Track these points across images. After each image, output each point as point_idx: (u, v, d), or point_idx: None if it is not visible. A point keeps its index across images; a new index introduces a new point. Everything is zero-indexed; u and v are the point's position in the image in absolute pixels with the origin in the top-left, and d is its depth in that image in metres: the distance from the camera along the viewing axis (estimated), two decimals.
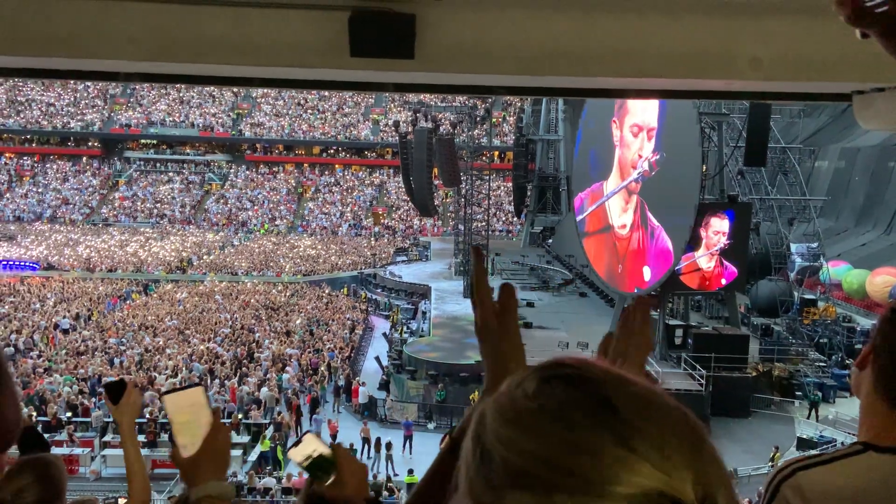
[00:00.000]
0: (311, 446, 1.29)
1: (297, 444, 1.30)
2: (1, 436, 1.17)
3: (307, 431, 1.40)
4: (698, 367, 21.77)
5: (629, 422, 0.61)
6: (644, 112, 25.73)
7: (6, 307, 32.81)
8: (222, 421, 1.37)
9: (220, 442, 1.33)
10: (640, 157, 25.70)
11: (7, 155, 67.99)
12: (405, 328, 31.56)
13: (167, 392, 1.33)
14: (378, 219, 63.17)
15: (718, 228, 23.50)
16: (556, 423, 0.61)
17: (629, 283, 27.31)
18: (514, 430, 0.62)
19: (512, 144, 56.13)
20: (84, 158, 68.96)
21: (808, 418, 21.53)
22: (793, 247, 32.20)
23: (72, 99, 70.84)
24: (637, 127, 26.08)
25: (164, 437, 18.26)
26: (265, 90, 64.42)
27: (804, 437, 20.00)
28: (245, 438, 18.98)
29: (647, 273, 25.80)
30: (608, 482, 0.58)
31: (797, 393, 23.28)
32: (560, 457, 0.59)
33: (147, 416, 19.00)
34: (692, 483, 0.60)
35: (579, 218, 32.40)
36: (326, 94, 69.17)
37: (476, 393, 20.97)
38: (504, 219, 61.53)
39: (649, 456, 0.59)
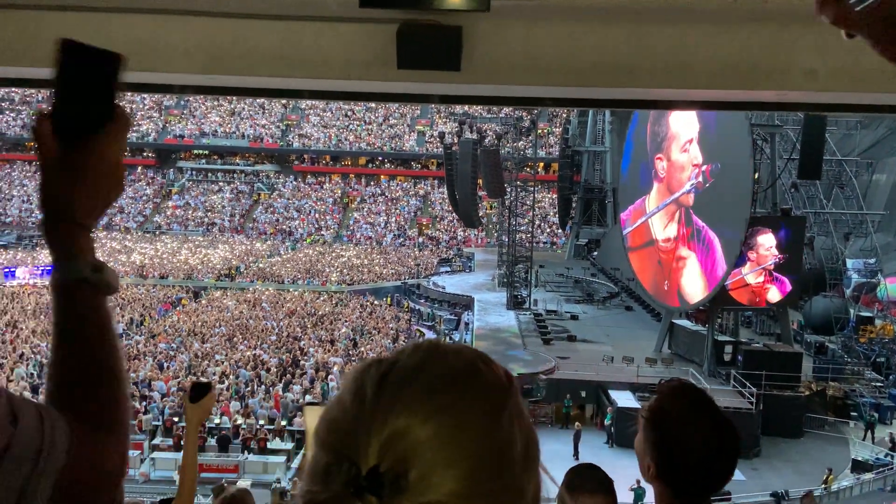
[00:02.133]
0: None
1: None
2: (91, 488, 0.90)
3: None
4: (748, 384, 21.22)
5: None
6: (687, 126, 25.46)
7: None
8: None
9: None
10: (695, 166, 25.30)
11: None
12: (448, 339, 31.58)
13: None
14: (422, 229, 63.45)
15: (768, 244, 22.96)
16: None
17: (676, 298, 26.83)
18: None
19: (557, 156, 55.81)
20: (139, 168, 71.09)
21: (863, 440, 20.77)
22: (849, 262, 31.22)
23: (129, 110, 72.97)
24: (688, 143, 25.78)
25: (212, 441, 18.64)
26: (313, 102, 65.57)
27: (859, 459, 19.30)
28: (289, 445, 19.20)
29: (696, 287, 25.31)
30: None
31: (852, 413, 22.49)
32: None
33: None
34: (378, 447, 0.61)
35: (625, 232, 32.02)
36: (373, 105, 69.98)
37: None
38: (549, 230, 61.14)
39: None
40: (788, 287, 23.42)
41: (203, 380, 2.66)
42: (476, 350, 0.73)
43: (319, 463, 0.66)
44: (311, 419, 1.31)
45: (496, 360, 0.72)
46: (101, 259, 0.97)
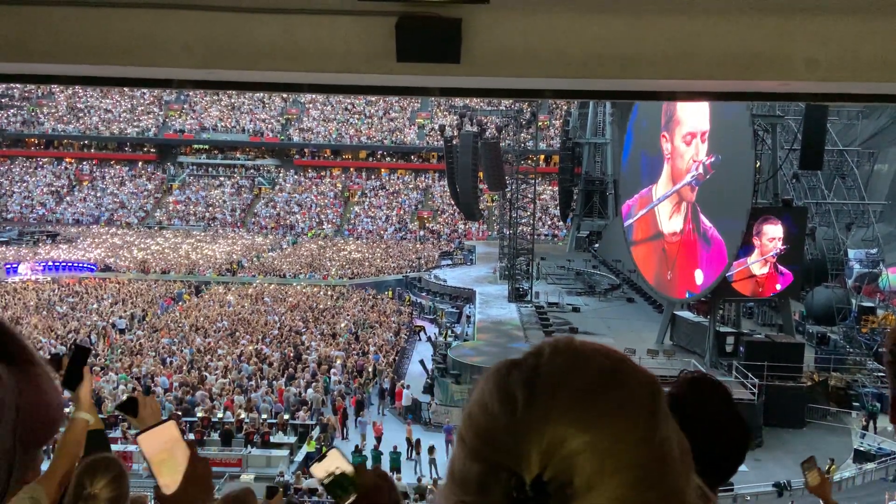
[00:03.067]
0: (335, 463, 1.25)
1: (320, 458, 1.27)
2: (47, 423, 1.05)
3: (332, 447, 1.37)
4: (750, 375, 21.23)
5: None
6: (695, 118, 25.25)
7: (65, 307, 34.02)
8: (199, 453, 1.30)
9: (200, 472, 1.26)
10: (695, 161, 25.20)
11: (67, 160, 70.55)
12: (450, 332, 31.59)
13: (139, 432, 1.24)
14: (423, 222, 63.45)
15: (773, 234, 22.89)
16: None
17: (679, 289, 26.80)
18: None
19: (558, 148, 55.73)
20: (140, 163, 71.08)
21: (865, 430, 20.79)
22: (850, 253, 31.17)
23: (128, 106, 73.09)
24: (690, 135, 25.60)
25: (215, 436, 18.70)
26: (313, 96, 65.46)
27: (861, 449, 19.33)
28: (292, 439, 19.25)
29: (699, 277, 25.23)
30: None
31: (854, 404, 22.51)
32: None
33: (200, 414, 19.46)
34: (539, 456, 0.60)
35: (627, 223, 31.95)
36: (373, 99, 69.87)
37: None
38: (550, 223, 61.12)
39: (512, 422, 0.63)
40: (790, 278, 23.40)
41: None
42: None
43: (471, 472, 0.64)
44: (146, 447, 1.22)
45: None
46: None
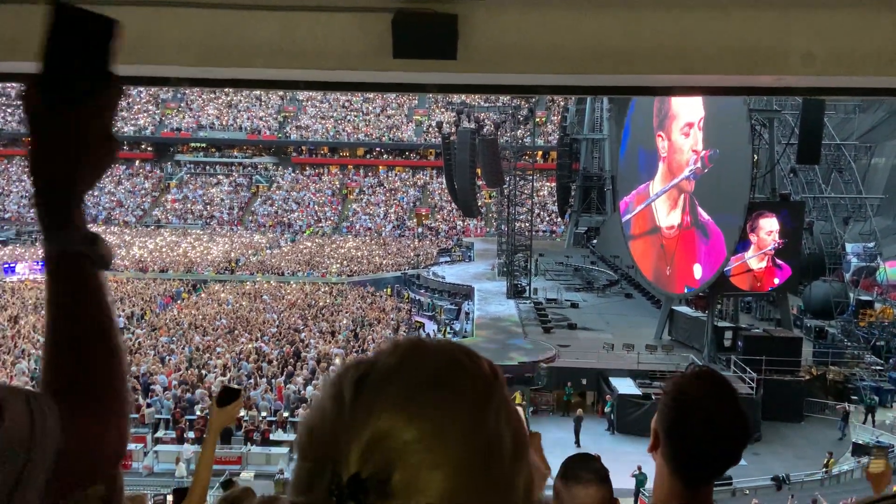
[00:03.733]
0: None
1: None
2: (88, 469, 0.85)
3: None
4: (748, 370, 21.28)
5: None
6: (690, 109, 25.28)
7: None
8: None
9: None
10: (695, 152, 25.22)
11: None
12: (448, 328, 31.62)
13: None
14: (421, 220, 63.44)
15: (769, 228, 22.93)
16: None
17: (678, 284, 26.83)
18: None
19: (556, 144, 55.73)
20: (137, 162, 70.97)
21: (864, 423, 20.86)
22: (848, 246, 31.23)
23: (125, 104, 72.90)
24: (688, 125, 25.63)
25: None
26: (310, 93, 65.40)
27: (860, 442, 19.38)
28: (292, 437, 19.27)
29: (697, 271, 25.27)
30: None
31: (853, 397, 22.57)
32: None
33: (198, 413, 19.47)
34: (360, 451, 0.60)
35: (625, 219, 31.98)
36: (370, 96, 69.80)
37: (518, 394, 20.89)
38: (548, 219, 61.13)
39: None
40: (788, 272, 23.44)
41: (234, 385, 2.63)
42: (458, 344, 0.70)
43: (301, 471, 0.64)
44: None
45: (481, 354, 0.70)
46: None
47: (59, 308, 0.90)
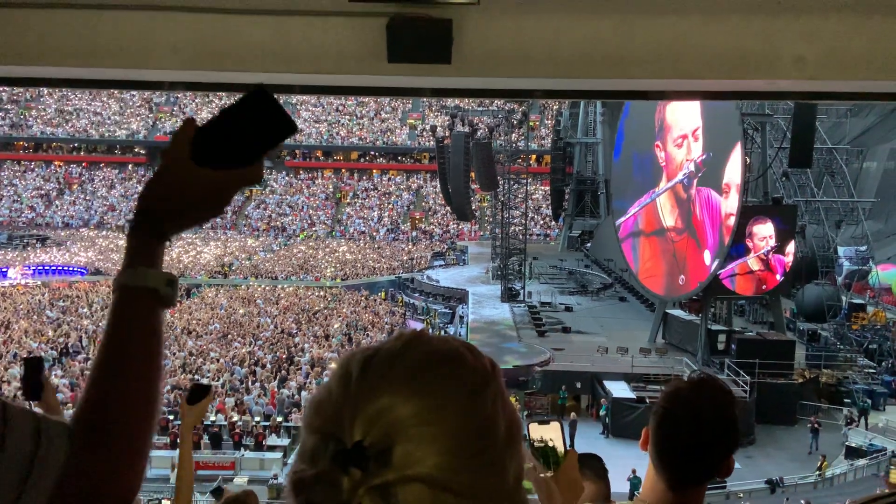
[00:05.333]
0: (552, 434, 1.29)
1: (543, 422, 1.31)
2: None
3: (558, 418, 1.41)
4: (742, 373, 21.33)
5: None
6: (684, 119, 25.31)
7: (56, 311, 33.80)
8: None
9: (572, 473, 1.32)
10: (689, 160, 25.24)
11: (56, 163, 70.14)
12: (442, 332, 31.60)
13: (533, 422, 1.33)
14: (415, 223, 63.42)
15: (764, 234, 23.01)
16: None
17: (693, 283, 26.01)
18: None
19: (549, 148, 55.84)
20: (130, 166, 70.74)
21: (856, 426, 20.92)
22: (840, 250, 31.36)
23: (118, 108, 72.76)
24: (681, 137, 25.63)
25: (206, 439, 18.62)
26: (304, 97, 65.34)
27: (853, 445, 19.45)
28: (286, 441, 19.20)
29: (707, 257, 24.71)
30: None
31: (846, 400, 22.65)
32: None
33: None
34: (363, 423, 0.64)
35: (618, 222, 31.92)
36: (364, 99, 69.83)
37: (513, 398, 20.87)
38: (542, 223, 61.21)
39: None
40: (782, 263, 23.43)
41: (203, 381, 2.64)
42: (461, 340, 0.76)
43: (307, 445, 0.68)
44: (535, 435, 1.31)
45: (486, 353, 0.75)
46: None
47: (116, 341, 0.90)
